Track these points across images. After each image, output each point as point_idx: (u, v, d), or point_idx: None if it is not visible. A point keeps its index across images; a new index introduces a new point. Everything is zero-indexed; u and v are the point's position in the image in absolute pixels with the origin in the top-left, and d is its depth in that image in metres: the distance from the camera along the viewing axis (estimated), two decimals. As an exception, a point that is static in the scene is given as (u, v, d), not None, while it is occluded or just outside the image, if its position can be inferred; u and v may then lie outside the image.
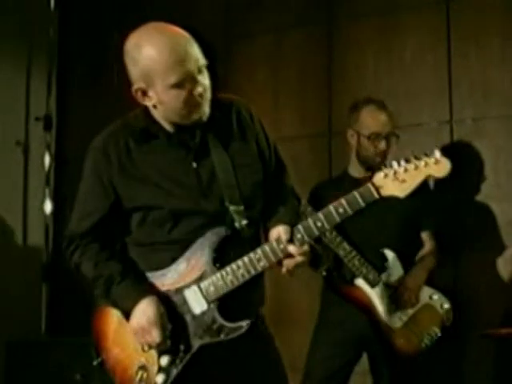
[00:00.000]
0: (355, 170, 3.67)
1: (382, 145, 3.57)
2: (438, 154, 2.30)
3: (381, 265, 3.50)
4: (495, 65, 3.98)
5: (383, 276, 3.50)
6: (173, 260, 2.49)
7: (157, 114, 2.51)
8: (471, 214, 3.96)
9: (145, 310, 2.44)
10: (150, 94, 2.43)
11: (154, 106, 2.47)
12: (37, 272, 4.90)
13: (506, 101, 3.94)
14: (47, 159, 4.96)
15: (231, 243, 2.46)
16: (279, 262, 2.43)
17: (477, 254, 3.89)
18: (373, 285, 3.48)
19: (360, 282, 3.50)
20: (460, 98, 4.05)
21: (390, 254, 3.50)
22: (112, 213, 2.54)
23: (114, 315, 2.56)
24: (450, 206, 3.93)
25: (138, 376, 2.47)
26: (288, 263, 2.42)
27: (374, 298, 3.48)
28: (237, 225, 2.47)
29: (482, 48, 4.02)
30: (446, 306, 3.53)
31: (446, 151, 2.34)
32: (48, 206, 4.93)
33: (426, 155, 2.31)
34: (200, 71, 2.42)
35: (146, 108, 2.52)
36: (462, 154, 4.01)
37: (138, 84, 2.43)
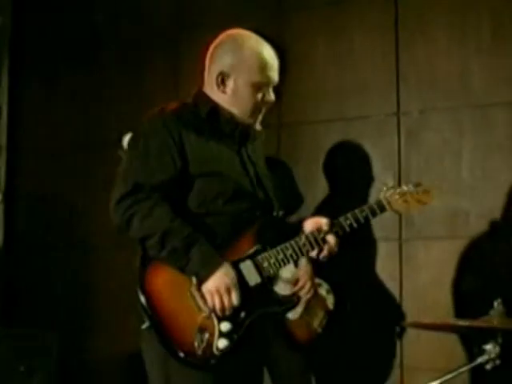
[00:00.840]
0: None
1: None
2: (422, 187, 2.92)
3: None
4: (442, 57, 4.02)
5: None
6: (226, 233, 2.73)
7: (221, 101, 2.81)
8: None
9: (226, 274, 2.64)
10: (229, 82, 2.79)
11: (224, 93, 2.79)
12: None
13: (452, 93, 3.98)
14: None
15: (273, 229, 2.80)
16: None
17: (420, 242, 3.95)
18: None
19: None
20: (407, 90, 4.08)
21: None
22: (179, 177, 2.71)
23: (171, 276, 2.67)
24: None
25: (198, 338, 2.61)
26: (325, 250, 2.80)
27: None
28: (275, 214, 2.84)
29: (428, 40, 4.05)
30: (326, 287, 3.59)
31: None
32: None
33: (418, 185, 2.91)
34: (273, 86, 2.83)
35: (205, 96, 2.83)
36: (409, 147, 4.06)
37: (222, 69, 2.78)
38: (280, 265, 2.76)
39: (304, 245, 2.78)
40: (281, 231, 2.82)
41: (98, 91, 4.85)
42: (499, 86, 3.90)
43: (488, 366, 2.44)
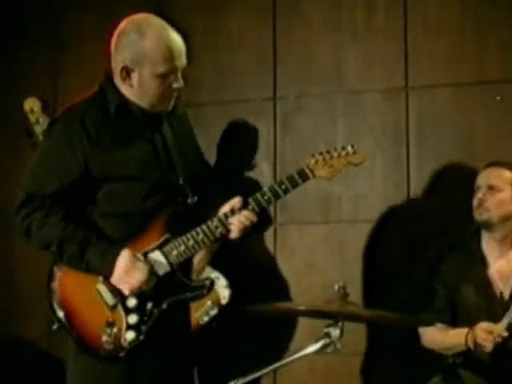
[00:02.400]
0: None
1: None
2: (350, 147, 2.80)
3: None
4: (317, 43, 4.06)
5: None
6: (139, 228, 2.73)
7: (128, 95, 2.76)
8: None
9: (126, 257, 2.66)
10: (133, 75, 2.71)
11: (131, 86, 2.73)
12: None
13: (326, 79, 4.03)
14: None
15: (184, 216, 2.76)
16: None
17: (294, 226, 3.98)
18: None
19: None
20: (283, 75, 4.11)
21: None
22: (79, 182, 2.69)
23: (77, 276, 2.71)
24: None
25: (107, 332, 2.66)
26: (238, 223, 2.73)
27: None
28: (189, 200, 2.80)
29: (305, 26, 4.09)
30: (224, 282, 3.61)
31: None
32: None
33: (344, 148, 2.80)
34: (180, 70, 2.75)
35: (113, 86, 2.76)
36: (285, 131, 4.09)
37: (125, 63, 2.70)
38: (190, 251, 2.74)
39: (216, 227, 2.74)
40: (193, 218, 2.78)
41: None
42: (372, 72, 3.97)
43: (329, 350, 2.47)
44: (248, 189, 3.24)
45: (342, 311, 2.46)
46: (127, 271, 2.67)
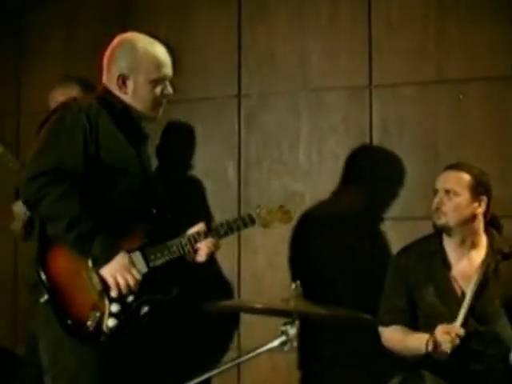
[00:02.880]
0: None
1: None
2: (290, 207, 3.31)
3: None
4: (282, 41, 4.06)
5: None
6: (126, 226, 2.96)
7: (127, 101, 3.04)
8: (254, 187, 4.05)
9: (123, 257, 2.91)
10: (129, 83, 3.03)
11: (126, 94, 3.02)
12: None
13: (290, 76, 4.03)
14: None
15: (162, 227, 3.05)
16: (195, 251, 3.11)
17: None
18: None
19: None
20: (248, 73, 4.11)
21: None
22: (91, 163, 2.90)
23: (69, 256, 2.89)
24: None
25: (91, 316, 2.88)
26: (207, 250, 3.11)
27: None
28: (168, 214, 3.10)
29: (269, 24, 4.09)
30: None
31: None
32: None
33: (282, 206, 3.28)
34: (169, 78, 3.09)
35: (112, 95, 3.03)
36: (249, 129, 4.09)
37: (122, 71, 3.02)
38: (165, 258, 3.02)
39: (186, 244, 3.07)
40: (168, 230, 3.07)
41: None
42: (336, 71, 3.98)
43: (286, 348, 2.46)
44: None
45: (297, 309, 2.46)
46: (122, 270, 2.90)
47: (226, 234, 3.15)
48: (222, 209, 4.03)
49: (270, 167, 4.02)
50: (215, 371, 2.43)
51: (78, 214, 2.85)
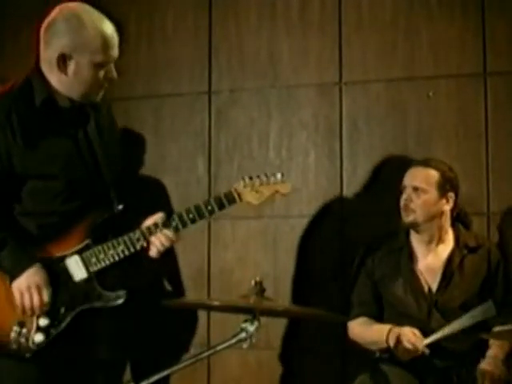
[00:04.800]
0: None
1: None
2: (279, 175, 2.89)
3: None
4: (252, 37, 4.05)
5: None
6: (58, 230, 2.72)
7: (58, 85, 2.73)
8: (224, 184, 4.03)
9: (36, 273, 2.66)
10: (70, 63, 2.69)
11: (65, 75, 2.69)
12: None
13: (260, 73, 4.02)
14: None
15: (107, 223, 2.77)
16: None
17: (227, 220, 3.96)
18: None
19: None
20: (218, 69, 4.09)
21: None
22: (3, 178, 2.65)
23: None
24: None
25: (16, 331, 2.68)
26: (158, 244, 2.77)
27: None
28: (115, 208, 2.81)
29: (240, 20, 4.07)
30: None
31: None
32: None
33: (274, 175, 2.88)
34: (113, 61, 2.77)
35: (41, 78, 2.72)
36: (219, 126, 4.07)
37: (63, 50, 2.67)
38: (109, 260, 2.75)
39: (138, 239, 2.76)
40: (116, 226, 2.80)
41: None
42: (306, 67, 3.97)
43: (245, 345, 2.46)
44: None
45: (256, 306, 2.45)
46: (30, 288, 2.67)
47: (193, 220, 2.81)
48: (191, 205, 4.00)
49: (240, 163, 4.00)
50: (174, 368, 2.41)
51: None
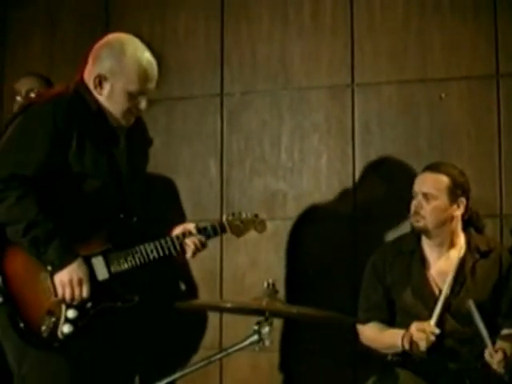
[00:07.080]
0: None
1: None
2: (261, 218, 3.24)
3: None
4: (264, 39, 4.05)
5: None
6: (86, 230, 2.86)
7: (101, 102, 2.92)
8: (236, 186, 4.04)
9: (79, 267, 2.80)
10: (106, 85, 2.89)
11: (100, 95, 2.90)
12: None
13: (272, 75, 4.02)
14: None
15: (126, 231, 2.95)
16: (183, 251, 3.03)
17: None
18: None
19: None
20: (230, 71, 4.09)
21: None
22: (53, 172, 2.79)
23: (27, 259, 2.80)
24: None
25: (46, 321, 2.79)
26: (193, 247, 3.02)
27: None
28: (133, 219, 2.99)
29: (252, 23, 4.08)
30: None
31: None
32: None
33: (256, 216, 3.22)
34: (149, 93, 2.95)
35: (88, 90, 2.91)
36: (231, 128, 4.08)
37: (102, 72, 2.88)
38: (133, 264, 2.92)
39: (171, 246, 2.98)
40: (134, 235, 2.97)
41: None
42: (318, 69, 3.97)
43: (257, 348, 2.46)
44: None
45: (269, 308, 2.45)
46: (72, 282, 2.80)
47: (208, 236, 3.10)
48: (204, 208, 4.02)
49: (252, 166, 4.01)
50: (186, 370, 2.42)
51: (35, 217, 2.77)
